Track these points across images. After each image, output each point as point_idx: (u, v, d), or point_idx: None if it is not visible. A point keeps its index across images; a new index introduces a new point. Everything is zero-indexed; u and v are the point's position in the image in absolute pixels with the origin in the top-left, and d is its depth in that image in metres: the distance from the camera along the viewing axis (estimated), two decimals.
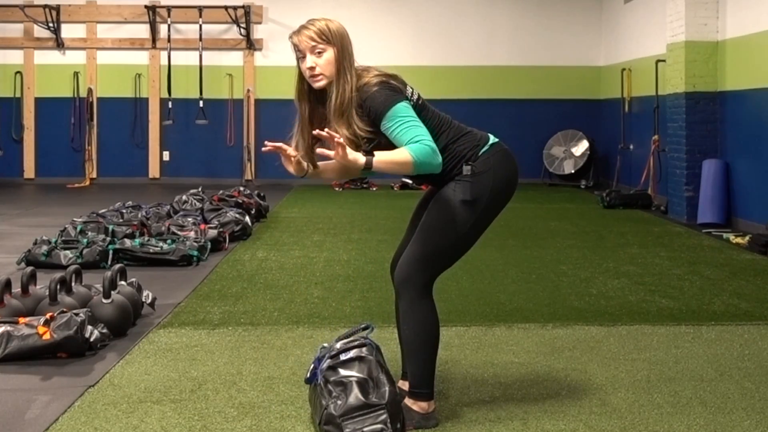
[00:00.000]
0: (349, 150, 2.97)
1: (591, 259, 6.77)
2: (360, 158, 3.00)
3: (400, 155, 2.99)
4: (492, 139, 3.27)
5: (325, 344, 3.39)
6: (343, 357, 3.10)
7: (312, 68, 3.11)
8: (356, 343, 3.17)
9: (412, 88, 3.19)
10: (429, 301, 3.17)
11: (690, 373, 3.82)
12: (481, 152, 3.19)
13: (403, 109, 3.04)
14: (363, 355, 3.10)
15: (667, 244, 7.59)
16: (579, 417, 3.26)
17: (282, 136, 3.32)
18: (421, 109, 3.17)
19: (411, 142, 2.99)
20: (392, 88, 3.08)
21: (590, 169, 13.13)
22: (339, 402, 2.96)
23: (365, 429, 2.90)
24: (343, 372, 3.05)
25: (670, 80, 9.57)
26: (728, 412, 3.34)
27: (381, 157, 3.01)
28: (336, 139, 2.92)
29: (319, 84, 3.13)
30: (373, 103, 3.05)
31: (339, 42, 3.11)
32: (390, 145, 3.09)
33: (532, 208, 10.14)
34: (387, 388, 3.00)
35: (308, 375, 3.25)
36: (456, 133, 3.21)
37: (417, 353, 3.17)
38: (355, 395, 2.96)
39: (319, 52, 3.10)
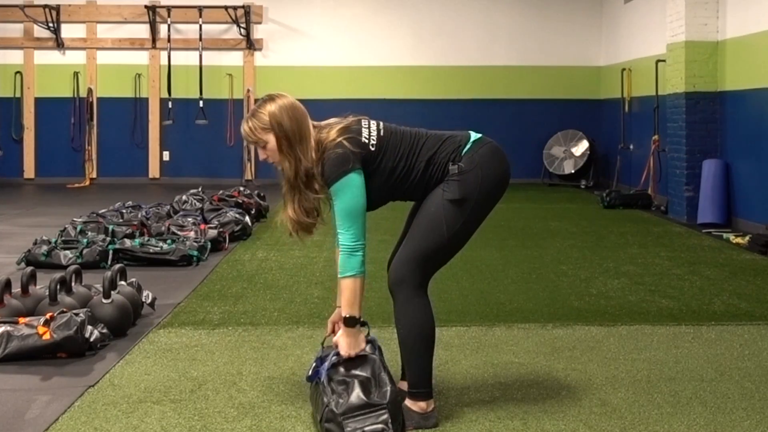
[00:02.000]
0: (340, 339, 3.16)
1: (591, 259, 6.77)
2: (347, 335, 3.14)
3: (345, 290, 3.15)
4: (474, 136, 3.27)
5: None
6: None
7: (265, 159, 3.24)
8: None
9: (370, 127, 3.20)
10: (424, 300, 3.17)
11: (690, 373, 3.82)
12: (464, 152, 3.20)
13: (350, 182, 3.08)
14: (367, 353, 3.11)
15: (667, 244, 7.59)
16: (579, 417, 3.26)
17: None
18: (389, 137, 3.20)
19: (343, 251, 3.15)
20: (345, 155, 3.08)
21: (590, 169, 13.13)
22: (341, 400, 2.96)
23: (366, 428, 2.91)
24: (346, 370, 3.05)
25: (670, 80, 9.57)
26: (728, 412, 3.34)
27: (346, 308, 3.14)
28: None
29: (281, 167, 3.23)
30: (325, 170, 3.12)
31: (277, 127, 3.14)
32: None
33: (532, 208, 10.14)
34: (389, 388, 3.00)
35: (309, 373, 3.25)
36: (435, 143, 3.22)
37: (413, 353, 3.17)
38: (357, 394, 2.96)
39: (263, 146, 3.19)
